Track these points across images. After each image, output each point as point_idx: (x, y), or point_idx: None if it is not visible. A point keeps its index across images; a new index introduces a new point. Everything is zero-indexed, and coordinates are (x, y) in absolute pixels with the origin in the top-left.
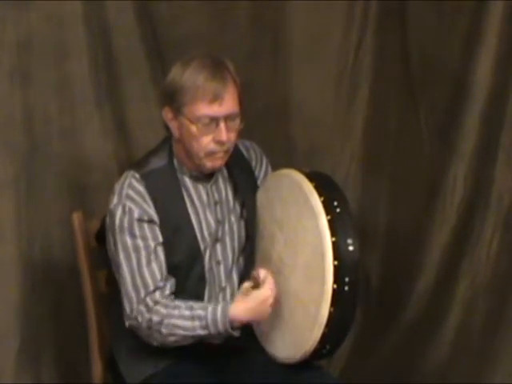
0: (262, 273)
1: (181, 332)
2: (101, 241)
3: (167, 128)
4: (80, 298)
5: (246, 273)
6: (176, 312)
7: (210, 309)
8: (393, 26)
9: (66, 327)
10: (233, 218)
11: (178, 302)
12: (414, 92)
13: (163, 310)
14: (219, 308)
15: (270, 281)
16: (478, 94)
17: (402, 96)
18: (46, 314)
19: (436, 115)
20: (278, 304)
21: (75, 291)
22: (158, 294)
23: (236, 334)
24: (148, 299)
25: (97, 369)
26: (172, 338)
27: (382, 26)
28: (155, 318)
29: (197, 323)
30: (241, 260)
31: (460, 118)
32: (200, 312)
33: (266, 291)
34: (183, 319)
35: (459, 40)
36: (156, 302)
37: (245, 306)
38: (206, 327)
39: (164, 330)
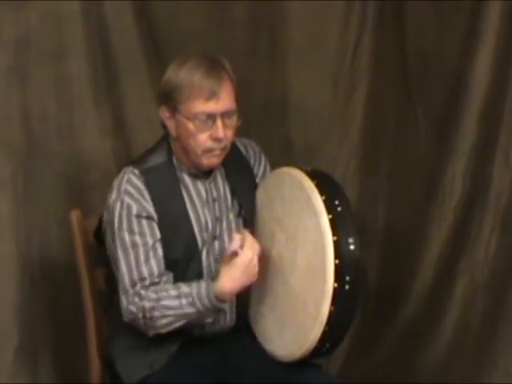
0: (236, 239)
1: (170, 312)
2: (99, 239)
3: (164, 127)
4: (78, 296)
5: None
6: (164, 294)
7: (194, 284)
8: (390, 25)
9: (64, 326)
10: (231, 216)
11: (167, 285)
12: (411, 91)
13: (153, 295)
14: (203, 282)
15: (248, 240)
16: (475, 93)
17: (400, 95)
18: (43, 312)
19: (434, 114)
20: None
21: (73, 290)
22: (152, 287)
23: (223, 306)
24: (141, 290)
25: (95, 368)
26: (164, 321)
27: (380, 25)
28: (147, 304)
29: (184, 301)
30: None
31: (458, 117)
32: (185, 289)
33: (246, 255)
34: (171, 299)
35: (457, 39)
36: (147, 290)
37: (229, 276)
38: (192, 303)
39: (156, 314)
